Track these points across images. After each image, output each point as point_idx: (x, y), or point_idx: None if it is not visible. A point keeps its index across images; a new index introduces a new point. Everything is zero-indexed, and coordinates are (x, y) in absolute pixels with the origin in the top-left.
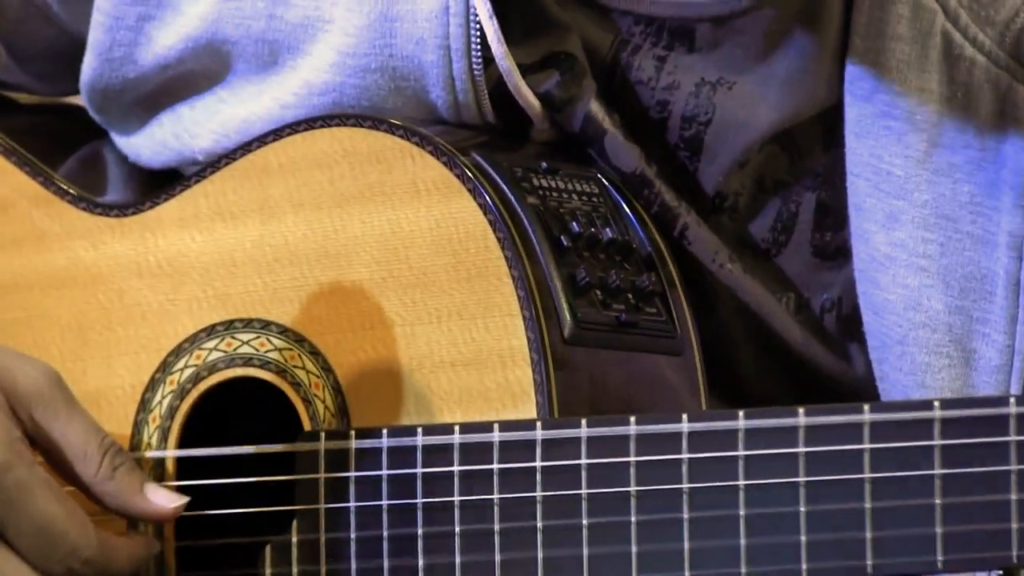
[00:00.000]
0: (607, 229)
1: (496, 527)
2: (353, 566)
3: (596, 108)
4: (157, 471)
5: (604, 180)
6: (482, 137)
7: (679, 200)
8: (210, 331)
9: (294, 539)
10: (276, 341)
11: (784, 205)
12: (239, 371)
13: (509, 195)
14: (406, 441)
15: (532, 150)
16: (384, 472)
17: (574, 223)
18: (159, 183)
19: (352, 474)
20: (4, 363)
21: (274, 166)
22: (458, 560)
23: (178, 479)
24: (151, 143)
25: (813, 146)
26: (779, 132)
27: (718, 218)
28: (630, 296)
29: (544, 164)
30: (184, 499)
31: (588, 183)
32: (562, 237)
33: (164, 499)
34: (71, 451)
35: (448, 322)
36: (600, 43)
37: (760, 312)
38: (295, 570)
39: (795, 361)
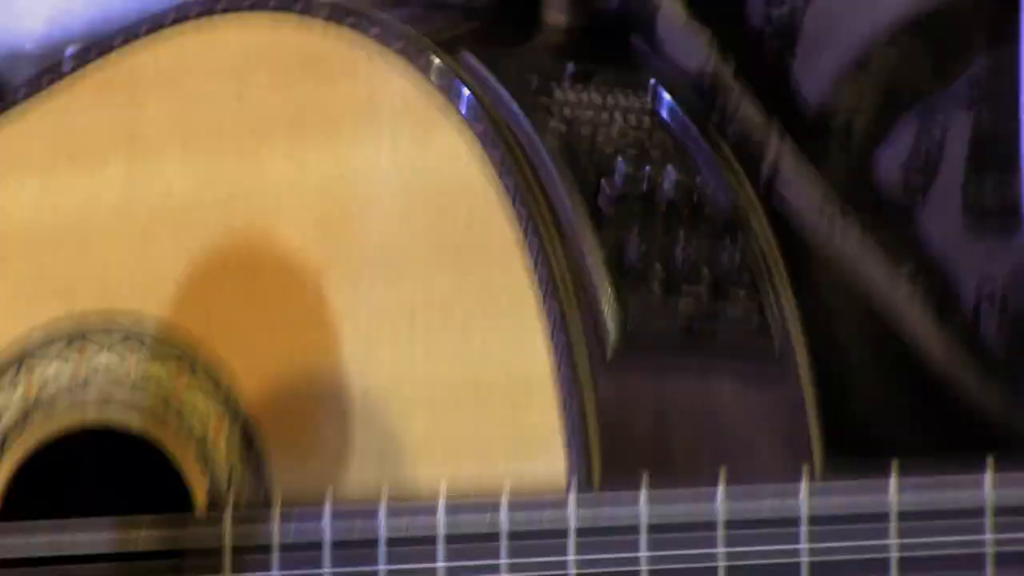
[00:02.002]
0: (668, 166)
1: None
2: None
3: None
4: None
5: (659, 86)
6: (473, 23)
7: (767, 117)
8: (46, 344)
9: None
10: (149, 365)
11: (924, 130)
12: (91, 416)
13: (521, 118)
14: (361, 526)
15: (550, 43)
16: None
17: (619, 159)
18: None
19: None
20: None
21: (150, 75)
22: None
23: None
24: None
25: (971, 39)
26: (920, 15)
27: (823, 145)
28: (704, 285)
29: (571, 67)
30: None
31: (636, 93)
32: (603, 183)
33: None
34: None
35: (427, 331)
36: None
37: (883, 305)
38: None
39: (933, 383)
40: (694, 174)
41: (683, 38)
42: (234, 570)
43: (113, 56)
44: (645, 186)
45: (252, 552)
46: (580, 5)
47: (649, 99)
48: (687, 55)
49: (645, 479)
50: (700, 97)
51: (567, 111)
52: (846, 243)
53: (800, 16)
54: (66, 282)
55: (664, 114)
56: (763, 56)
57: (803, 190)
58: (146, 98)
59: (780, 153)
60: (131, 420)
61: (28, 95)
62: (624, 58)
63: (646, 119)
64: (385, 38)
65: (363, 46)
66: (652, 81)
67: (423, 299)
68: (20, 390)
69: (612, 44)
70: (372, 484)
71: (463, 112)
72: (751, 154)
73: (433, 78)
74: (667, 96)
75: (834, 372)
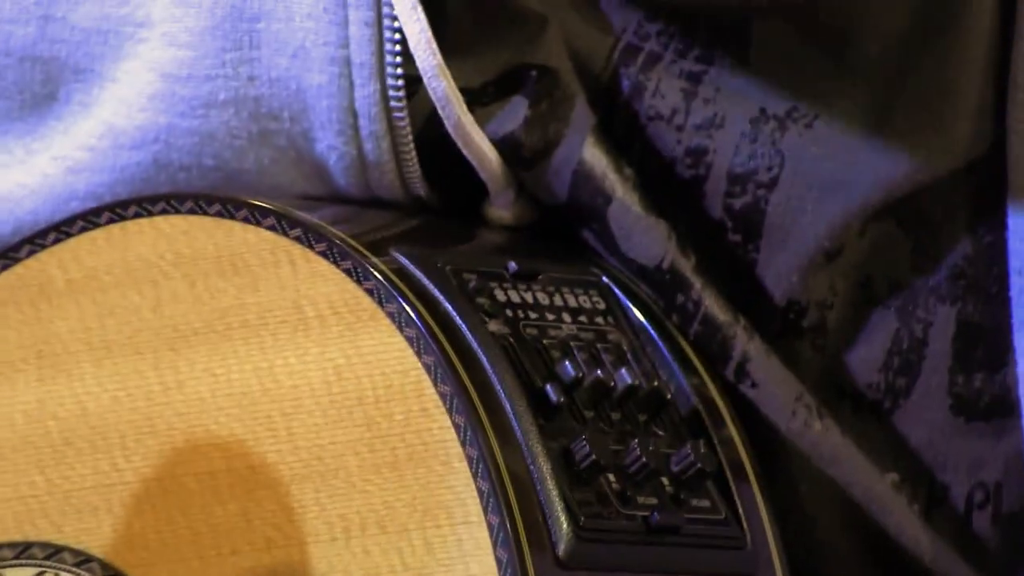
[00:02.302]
0: (622, 370)
1: None
2: None
3: (593, 157)
4: None
5: (612, 285)
6: (408, 223)
7: (732, 314)
8: None
9: None
10: None
11: (904, 326)
12: None
13: (457, 321)
14: None
15: (491, 240)
16: None
17: (566, 363)
18: None
19: None
20: None
21: (59, 284)
22: None
23: None
24: None
25: (953, 223)
26: (896, 199)
27: (794, 345)
28: (665, 481)
29: (513, 265)
30: None
31: (587, 292)
32: (548, 388)
33: None
34: None
35: (362, 538)
36: (593, 50)
37: (866, 503)
38: None
39: None
40: (652, 376)
41: (638, 231)
42: None
43: (18, 268)
44: (595, 388)
45: None
46: (526, 200)
47: (600, 298)
48: (643, 249)
49: None
50: (658, 294)
51: (509, 312)
52: (823, 444)
53: (763, 204)
54: None
55: (617, 314)
56: (725, 249)
57: (774, 390)
58: (55, 311)
59: (747, 352)
60: None
61: None
62: (573, 254)
63: (598, 319)
64: (308, 239)
65: (288, 247)
66: (604, 279)
67: (358, 505)
68: None
69: (559, 240)
70: None
71: (392, 316)
72: (716, 353)
73: (360, 281)
74: (621, 294)
75: (813, 573)
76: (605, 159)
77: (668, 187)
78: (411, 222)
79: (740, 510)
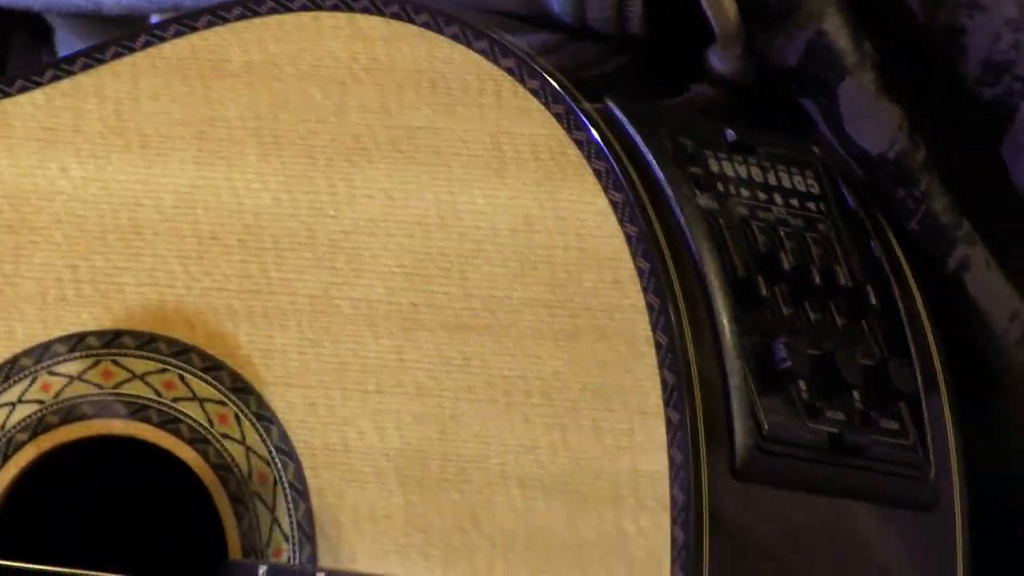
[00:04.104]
0: (829, 266)
1: None
2: None
3: (834, 28)
4: None
5: (829, 167)
6: (622, 59)
7: (959, 215)
8: (75, 343)
9: None
10: (196, 384)
11: None
12: (119, 426)
13: (668, 191)
14: None
15: (709, 98)
16: None
17: (773, 252)
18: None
19: None
20: None
21: (236, 65)
22: None
23: None
24: None
25: None
26: None
27: None
28: (856, 396)
29: (731, 133)
30: None
31: (802, 173)
32: (751, 278)
33: None
34: None
35: (525, 406)
36: None
37: None
38: None
39: None
40: (857, 278)
41: (869, 114)
42: None
43: (195, 38)
44: (802, 286)
45: None
46: (752, 57)
47: (815, 181)
48: (870, 133)
49: None
50: (878, 184)
51: (721, 186)
52: None
53: (1016, 100)
54: (105, 278)
55: (830, 201)
56: (962, 144)
57: (988, 304)
58: (226, 92)
59: (967, 259)
60: (164, 442)
61: (89, 65)
62: (792, 128)
63: (810, 204)
64: (520, 72)
65: (496, 76)
66: (821, 160)
67: (528, 369)
68: (34, 388)
69: (780, 109)
70: (435, 563)
71: (599, 175)
72: (932, 256)
73: (570, 129)
74: (840, 182)
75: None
76: (846, 32)
77: (909, 70)
78: (620, 61)
79: (928, 438)
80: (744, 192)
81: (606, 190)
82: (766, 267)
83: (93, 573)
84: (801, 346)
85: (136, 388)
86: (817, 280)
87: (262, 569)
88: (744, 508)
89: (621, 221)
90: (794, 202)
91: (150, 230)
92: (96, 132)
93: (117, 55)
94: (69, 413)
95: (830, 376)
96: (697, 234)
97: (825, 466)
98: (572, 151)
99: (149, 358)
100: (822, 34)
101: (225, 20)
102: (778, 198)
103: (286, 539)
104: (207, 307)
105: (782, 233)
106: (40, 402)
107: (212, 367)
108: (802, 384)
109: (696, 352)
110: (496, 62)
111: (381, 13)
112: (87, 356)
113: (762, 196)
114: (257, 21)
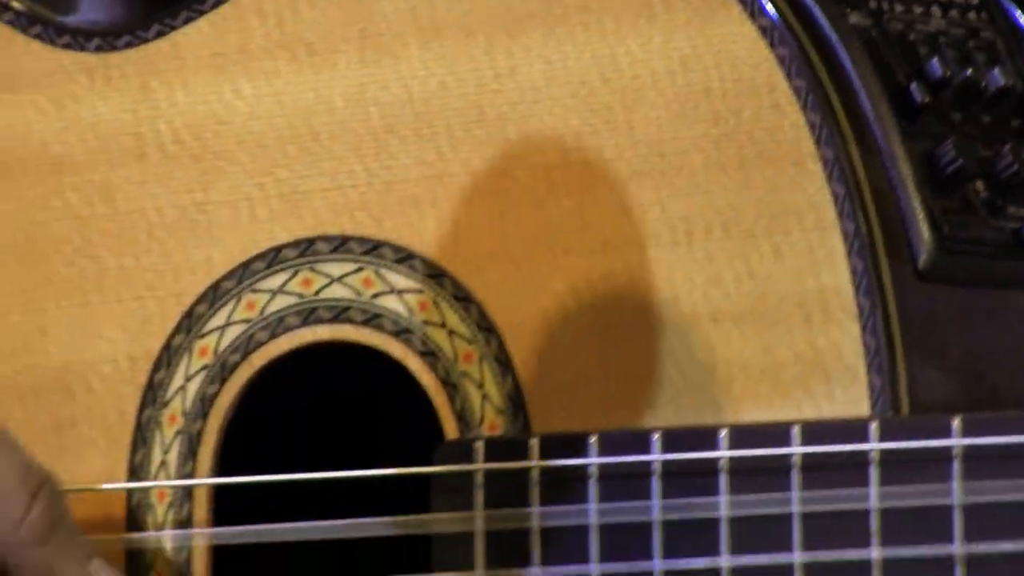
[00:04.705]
0: (995, 70)
1: None
2: None
3: None
4: (177, 509)
5: None
6: None
7: None
8: (272, 258)
9: None
10: (393, 277)
11: None
12: (325, 332)
13: (815, 11)
14: (636, 459)
15: None
16: (592, 511)
17: (934, 60)
18: None
19: (553, 511)
20: None
21: None
22: None
23: (215, 520)
24: None
25: None
26: None
27: None
28: None
29: None
30: None
31: None
32: (913, 86)
33: None
34: None
35: (707, 242)
36: None
37: None
38: None
39: None
40: None
41: None
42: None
43: None
44: (964, 91)
45: (560, 484)
46: None
47: None
48: None
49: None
50: None
51: (873, 3)
52: None
53: None
54: (292, 189)
55: (993, 10)
56: None
57: None
58: None
59: None
60: (370, 339)
61: None
62: None
63: (970, 14)
64: None
65: None
66: None
67: (701, 205)
68: (240, 308)
69: None
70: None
71: (744, 4)
72: None
73: None
74: None
75: None
76: None
77: None
78: None
79: None
80: (898, 7)
81: (752, 17)
82: (927, 75)
83: (320, 475)
84: (972, 148)
85: (336, 291)
86: (983, 84)
87: (479, 444)
88: (931, 309)
89: (771, 45)
90: (953, 13)
91: (327, 134)
92: (262, 48)
93: None
94: (277, 327)
95: (1008, 173)
96: (852, 50)
97: (1012, 261)
98: None
99: (344, 260)
100: None
101: None
102: (936, 10)
103: (498, 413)
104: (391, 200)
105: (942, 42)
106: (247, 321)
107: (405, 258)
108: (979, 184)
109: (863, 162)
110: None
111: None
112: (285, 268)
113: (918, 9)
114: None
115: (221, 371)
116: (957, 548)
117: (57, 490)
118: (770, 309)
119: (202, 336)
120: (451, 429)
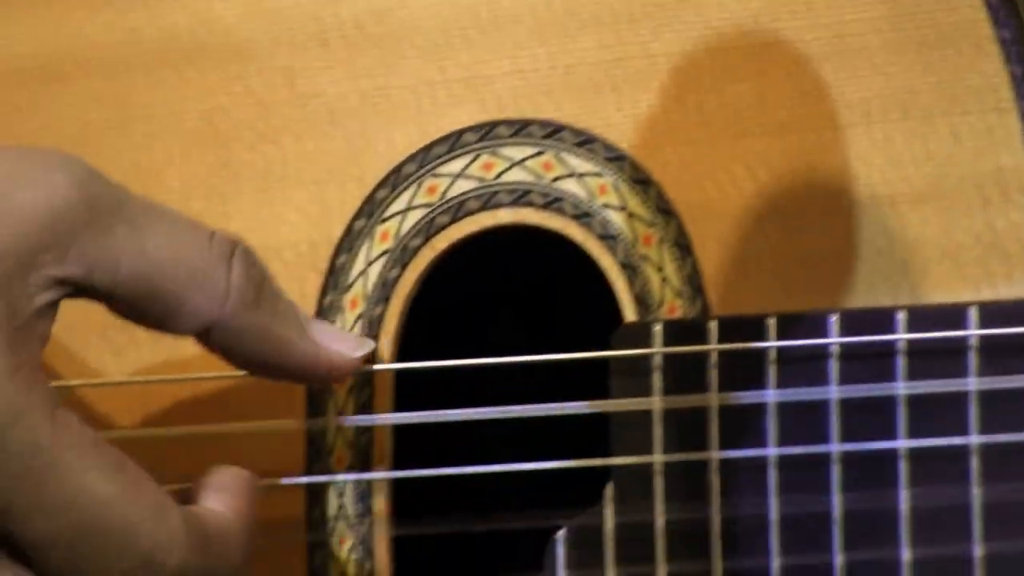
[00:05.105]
0: None
1: None
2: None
3: None
4: (358, 392)
5: None
6: None
7: None
8: (453, 142)
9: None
10: (573, 161)
11: None
12: (506, 215)
13: None
14: (814, 343)
15: None
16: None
17: None
18: None
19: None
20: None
21: None
22: None
23: (396, 404)
24: None
25: None
26: None
27: None
28: None
29: None
30: (370, 344)
31: None
32: None
33: (340, 342)
34: (161, 273)
35: (885, 124)
36: None
37: None
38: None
39: None
40: None
41: None
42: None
43: None
44: None
45: (739, 366)
46: None
47: None
48: None
49: None
50: None
51: None
52: None
53: None
54: (473, 73)
55: None
56: None
57: None
58: None
59: None
60: (550, 223)
61: None
62: None
63: None
64: None
65: None
66: None
67: (881, 90)
68: (422, 193)
69: None
70: (822, 292)
71: None
72: None
73: None
74: None
75: None
76: None
77: None
78: None
79: None
80: None
81: None
82: None
83: (499, 359)
84: None
85: (516, 175)
86: None
87: (657, 327)
88: None
89: None
90: None
91: (508, 18)
92: None
93: None
94: (458, 210)
95: None
96: None
97: None
98: None
99: (524, 143)
100: None
101: None
102: None
103: (678, 295)
104: (572, 84)
105: None
106: (428, 205)
107: (585, 141)
108: None
109: None
110: None
111: None
112: (467, 152)
113: None
114: None
115: (402, 255)
116: None
117: (251, 253)
118: (948, 190)
119: (383, 220)
120: (630, 312)
